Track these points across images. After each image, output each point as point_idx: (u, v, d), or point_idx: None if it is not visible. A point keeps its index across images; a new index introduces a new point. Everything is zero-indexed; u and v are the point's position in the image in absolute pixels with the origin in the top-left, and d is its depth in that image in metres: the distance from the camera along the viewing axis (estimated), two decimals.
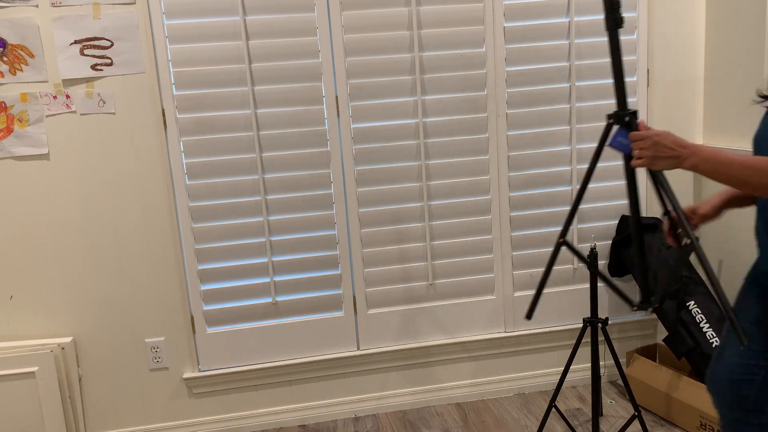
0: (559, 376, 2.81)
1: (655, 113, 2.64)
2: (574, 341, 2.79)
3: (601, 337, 2.73)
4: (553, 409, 2.62)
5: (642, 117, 2.65)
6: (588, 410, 2.57)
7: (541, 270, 2.72)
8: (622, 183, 2.69)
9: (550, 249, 2.70)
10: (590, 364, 2.52)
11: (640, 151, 1.39)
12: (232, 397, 2.61)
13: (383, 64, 2.49)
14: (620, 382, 2.81)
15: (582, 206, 2.67)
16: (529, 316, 1.64)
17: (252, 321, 2.58)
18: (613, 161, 2.66)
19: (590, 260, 2.16)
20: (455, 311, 2.70)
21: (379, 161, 2.55)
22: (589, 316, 2.25)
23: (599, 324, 2.22)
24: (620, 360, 2.80)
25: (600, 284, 2.73)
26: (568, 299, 2.75)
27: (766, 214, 1.47)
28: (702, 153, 1.33)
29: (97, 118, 2.37)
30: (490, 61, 2.54)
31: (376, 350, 2.67)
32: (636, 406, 2.16)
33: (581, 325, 2.74)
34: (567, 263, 2.72)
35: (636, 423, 2.47)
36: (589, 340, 2.80)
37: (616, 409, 2.61)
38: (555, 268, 2.72)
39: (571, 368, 2.81)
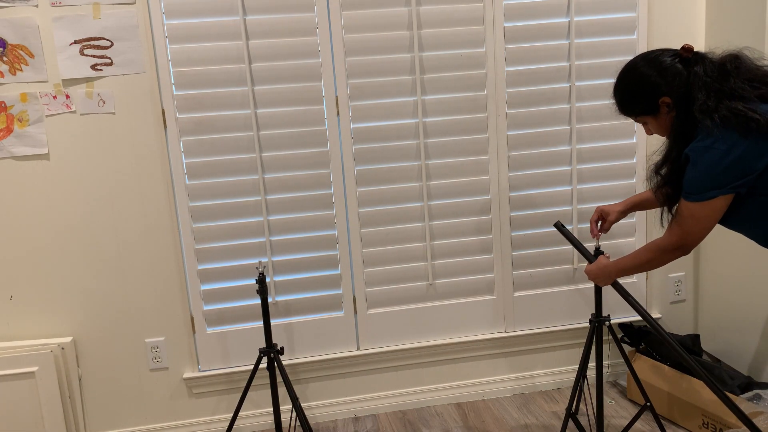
0: (558, 377, 2.81)
1: None
2: (573, 341, 2.79)
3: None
4: (552, 409, 2.63)
5: None
6: (588, 409, 2.57)
7: (541, 270, 2.72)
8: (622, 183, 2.69)
9: (550, 249, 2.70)
10: (592, 364, 2.51)
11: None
12: (232, 397, 2.61)
13: (383, 64, 2.48)
14: (620, 381, 2.81)
15: (582, 206, 2.67)
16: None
17: (252, 321, 2.58)
18: (614, 161, 2.66)
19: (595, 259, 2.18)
20: (455, 311, 2.70)
21: (379, 161, 2.55)
22: (591, 315, 2.24)
23: (606, 323, 2.22)
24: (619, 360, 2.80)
25: None
26: (568, 299, 2.74)
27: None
28: (612, 272, 1.91)
29: (97, 118, 2.37)
30: (490, 61, 2.54)
31: (376, 350, 2.67)
32: (646, 397, 2.16)
33: (588, 325, 2.73)
34: (567, 263, 2.72)
35: (639, 423, 2.46)
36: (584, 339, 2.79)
37: (616, 409, 2.61)
38: (555, 268, 2.72)
39: (569, 368, 2.81)
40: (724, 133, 1.53)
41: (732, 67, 1.59)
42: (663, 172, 1.70)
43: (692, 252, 2.76)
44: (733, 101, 1.54)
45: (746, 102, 1.54)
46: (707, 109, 1.56)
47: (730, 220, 1.66)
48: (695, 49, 1.65)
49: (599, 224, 2.15)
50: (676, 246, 1.69)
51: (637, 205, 2.09)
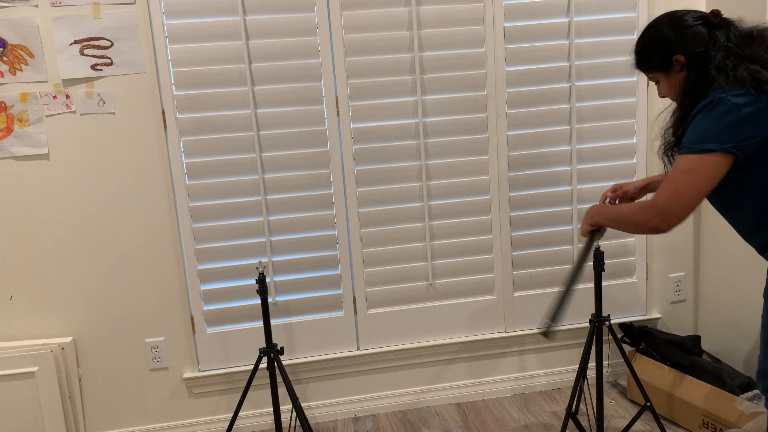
0: (558, 377, 2.81)
1: (655, 112, 2.63)
2: (573, 341, 2.79)
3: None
4: (552, 409, 2.63)
5: (642, 116, 2.65)
6: (588, 410, 2.57)
7: (541, 270, 2.72)
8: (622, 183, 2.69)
9: (550, 249, 2.70)
10: (592, 364, 2.51)
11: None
12: (232, 397, 2.61)
13: (383, 64, 2.48)
14: (620, 381, 2.81)
15: (582, 206, 2.67)
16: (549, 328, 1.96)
17: (252, 321, 2.58)
18: (614, 161, 2.66)
19: (596, 259, 2.18)
20: (455, 311, 2.70)
21: (379, 161, 2.55)
22: (591, 315, 2.25)
23: (606, 323, 2.23)
24: (619, 360, 2.80)
25: (605, 283, 2.73)
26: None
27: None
28: (605, 213, 1.78)
29: (97, 118, 2.37)
30: (490, 61, 2.54)
31: (376, 350, 2.67)
32: (646, 397, 2.16)
33: (588, 325, 2.73)
34: (567, 263, 2.72)
35: (639, 422, 2.46)
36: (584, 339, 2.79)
37: (616, 409, 2.61)
38: (555, 267, 2.72)
39: (569, 368, 2.81)
40: (739, 90, 1.50)
41: (757, 35, 1.57)
42: (671, 133, 1.66)
43: (692, 252, 2.78)
44: (753, 64, 1.51)
45: (766, 68, 1.50)
46: (724, 68, 1.53)
47: (722, 200, 1.63)
48: (723, 15, 1.63)
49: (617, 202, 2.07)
50: (660, 206, 1.55)
51: (654, 183, 2.01)
